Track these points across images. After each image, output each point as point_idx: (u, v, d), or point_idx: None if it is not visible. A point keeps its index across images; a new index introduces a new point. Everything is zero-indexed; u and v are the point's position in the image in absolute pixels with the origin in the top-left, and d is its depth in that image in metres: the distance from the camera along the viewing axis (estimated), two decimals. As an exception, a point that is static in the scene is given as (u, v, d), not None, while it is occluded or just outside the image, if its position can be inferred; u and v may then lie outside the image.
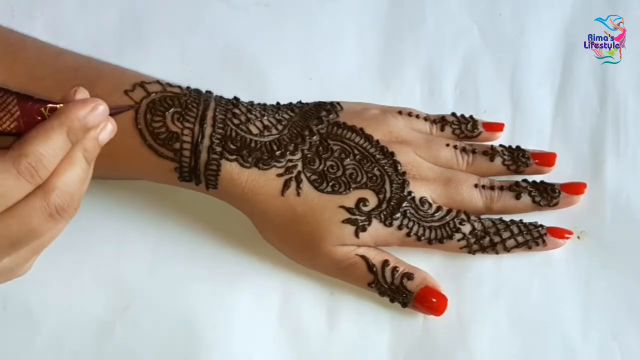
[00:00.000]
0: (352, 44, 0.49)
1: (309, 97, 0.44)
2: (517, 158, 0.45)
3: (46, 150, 0.30)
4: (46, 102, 0.30)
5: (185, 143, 0.39)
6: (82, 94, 0.31)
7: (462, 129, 0.46)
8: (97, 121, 0.31)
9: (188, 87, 0.41)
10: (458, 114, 0.47)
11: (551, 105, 0.48)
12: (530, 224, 0.44)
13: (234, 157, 0.40)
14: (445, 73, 0.48)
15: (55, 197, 0.30)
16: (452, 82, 0.48)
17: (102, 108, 0.31)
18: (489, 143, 0.46)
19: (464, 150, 0.45)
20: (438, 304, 0.42)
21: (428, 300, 0.42)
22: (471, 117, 0.47)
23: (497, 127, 0.47)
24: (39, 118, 0.30)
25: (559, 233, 0.44)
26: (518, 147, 0.46)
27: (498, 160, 0.45)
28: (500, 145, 0.46)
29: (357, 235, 0.41)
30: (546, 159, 0.46)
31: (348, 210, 0.41)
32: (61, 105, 0.30)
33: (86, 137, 0.31)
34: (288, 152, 0.41)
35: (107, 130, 0.32)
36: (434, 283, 0.42)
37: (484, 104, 0.48)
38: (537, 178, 0.45)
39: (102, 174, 0.37)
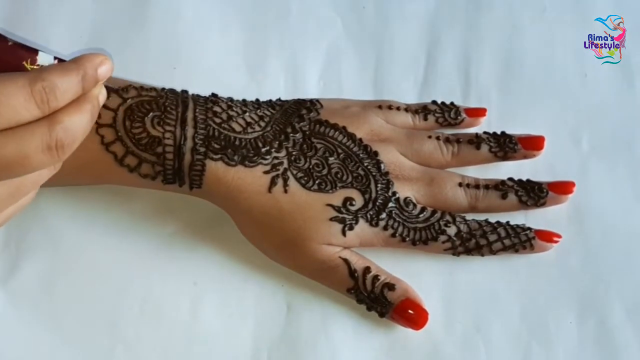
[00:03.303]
0: (216, 34, 0.48)
1: (174, 87, 0.43)
2: (504, 144, 0.45)
3: (61, 83, 0.29)
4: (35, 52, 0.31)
5: (167, 147, 0.38)
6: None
7: (446, 116, 0.46)
8: (106, 75, 0.31)
9: (163, 88, 0.41)
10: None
11: (414, 98, 0.48)
12: (518, 226, 0.43)
13: (219, 156, 0.39)
14: (309, 65, 0.48)
15: (60, 131, 0.29)
16: (315, 74, 0.48)
17: (111, 64, 0.32)
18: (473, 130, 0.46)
19: (447, 140, 0.44)
20: (418, 317, 0.41)
21: (407, 313, 0.41)
22: (452, 103, 0.47)
23: (479, 112, 0.47)
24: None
25: (547, 236, 0.43)
26: (503, 133, 0.45)
27: (484, 147, 0.44)
28: (485, 132, 0.45)
29: (344, 233, 0.40)
30: (534, 143, 0.45)
31: (335, 208, 0.40)
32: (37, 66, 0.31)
33: (92, 93, 0.31)
34: (273, 150, 0.41)
35: (104, 94, 0.32)
36: (415, 296, 0.42)
37: (347, 97, 0.47)
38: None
39: (80, 182, 0.39)
